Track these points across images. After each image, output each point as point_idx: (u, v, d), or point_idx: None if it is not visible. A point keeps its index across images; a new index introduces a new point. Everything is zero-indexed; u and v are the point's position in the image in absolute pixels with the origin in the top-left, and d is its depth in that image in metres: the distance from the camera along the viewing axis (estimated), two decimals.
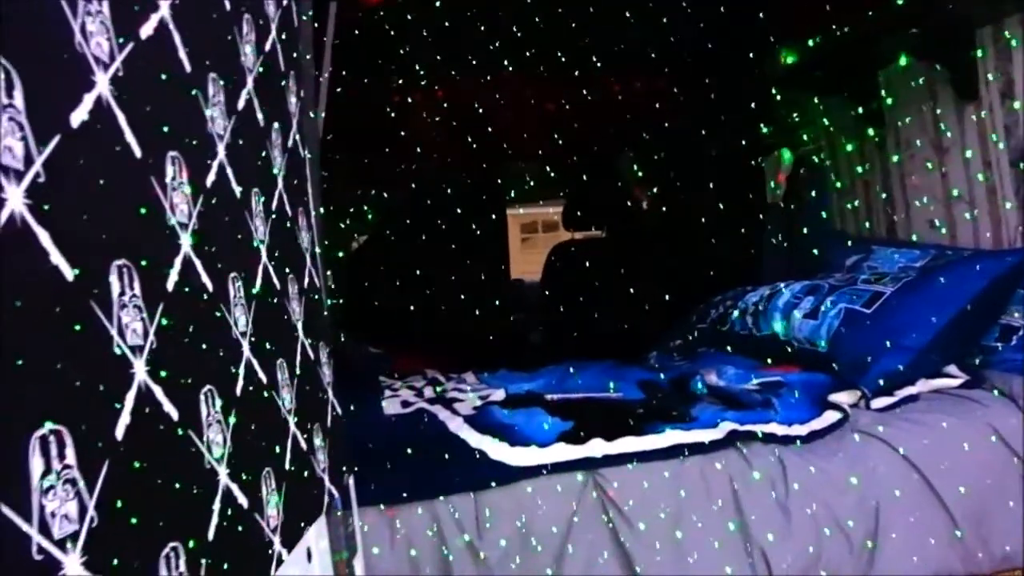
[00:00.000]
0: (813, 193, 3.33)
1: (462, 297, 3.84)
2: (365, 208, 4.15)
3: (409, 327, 3.53)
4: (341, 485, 1.31)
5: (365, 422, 1.96)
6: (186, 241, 0.74)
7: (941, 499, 1.82)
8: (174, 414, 0.66)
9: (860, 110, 3.00)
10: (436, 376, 2.61)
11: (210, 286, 0.79)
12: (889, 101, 2.86)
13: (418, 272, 3.91)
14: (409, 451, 1.83)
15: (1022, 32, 2.34)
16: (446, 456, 1.83)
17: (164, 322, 0.66)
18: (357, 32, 2.21)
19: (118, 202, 0.62)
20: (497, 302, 4.02)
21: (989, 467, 1.86)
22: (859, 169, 3.09)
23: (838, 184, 3.25)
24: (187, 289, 0.73)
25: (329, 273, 1.49)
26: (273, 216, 1.04)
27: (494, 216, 4.34)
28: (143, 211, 0.67)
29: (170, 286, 0.70)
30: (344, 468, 1.32)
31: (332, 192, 2.99)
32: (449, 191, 4.04)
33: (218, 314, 0.81)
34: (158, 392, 0.64)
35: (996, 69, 2.45)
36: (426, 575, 1.69)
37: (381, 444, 1.82)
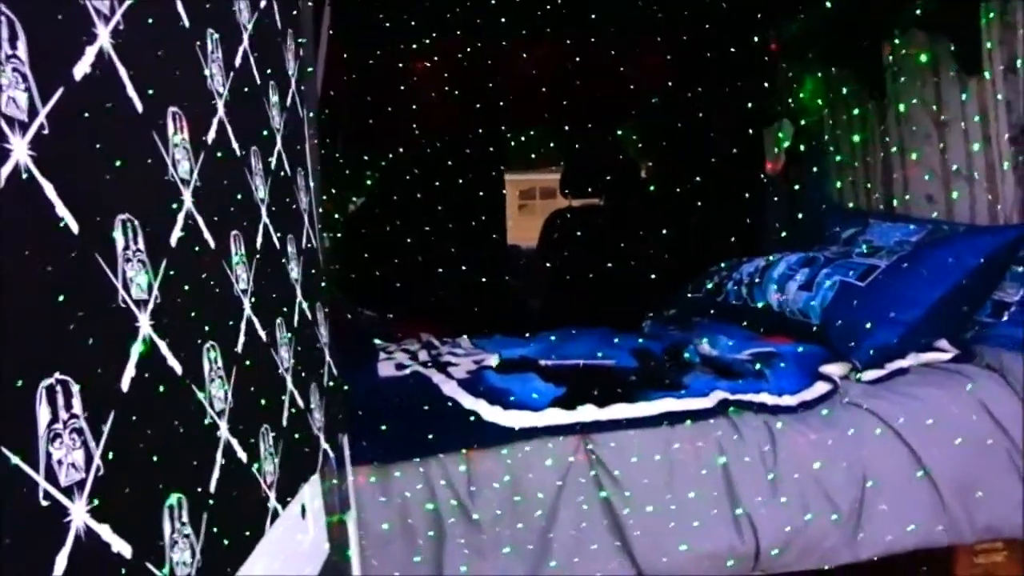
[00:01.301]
0: (813, 166, 3.32)
1: (458, 262, 3.85)
2: (363, 171, 4.13)
3: (405, 291, 3.54)
4: (336, 444, 1.32)
5: (359, 383, 1.97)
6: (188, 197, 0.75)
7: (927, 471, 1.85)
8: (178, 368, 0.67)
9: (862, 82, 2.99)
10: (431, 340, 2.62)
11: (212, 243, 0.79)
12: (891, 74, 2.85)
13: (415, 236, 3.90)
14: (402, 412, 1.85)
15: None
16: (439, 418, 1.85)
17: (167, 277, 0.67)
18: None
19: (121, 156, 0.62)
20: (494, 267, 4.02)
21: (976, 440, 1.88)
22: (858, 141, 3.07)
23: (837, 157, 3.24)
24: (189, 245, 0.73)
25: (326, 235, 1.49)
26: (272, 175, 1.04)
27: (492, 181, 4.32)
28: (146, 165, 0.67)
29: (173, 241, 0.70)
30: (339, 428, 1.33)
31: (330, 153, 2.97)
32: (447, 155, 4.02)
33: (220, 271, 0.81)
34: (162, 346, 0.65)
35: (1000, 43, 2.43)
36: (417, 534, 1.71)
37: (375, 405, 1.84)
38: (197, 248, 0.75)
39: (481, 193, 4.15)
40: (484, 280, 3.86)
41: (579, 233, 4.09)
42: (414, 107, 3.72)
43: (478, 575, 1.71)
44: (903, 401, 1.93)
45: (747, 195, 3.44)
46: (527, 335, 2.60)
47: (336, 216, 3.79)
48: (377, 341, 2.59)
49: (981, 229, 2.39)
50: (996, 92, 2.46)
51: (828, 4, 2.68)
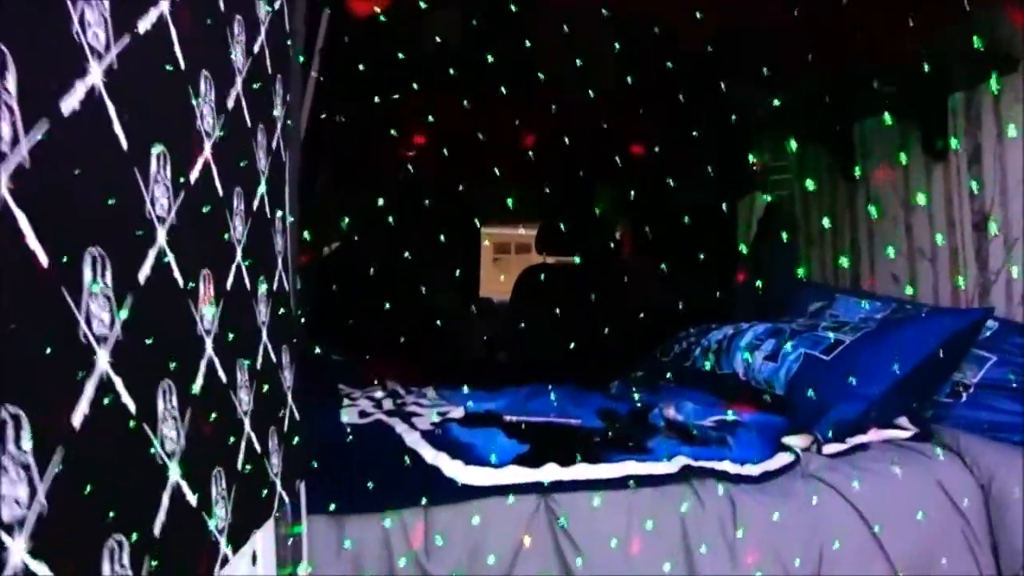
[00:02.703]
0: (783, 238, 3.39)
1: (430, 312, 3.84)
2: (339, 215, 4.14)
3: (374, 338, 3.52)
4: (293, 491, 1.30)
5: (321, 429, 1.94)
6: (162, 234, 0.75)
7: (883, 548, 1.85)
8: (131, 407, 0.66)
9: (833, 161, 3.08)
10: (396, 388, 2.60)
11: (180, 282, 0.79)
12: (861, 154, 2.94)
13: (387, 283, 3.90)
14: (363, 462, 1.82)
15: (991, 98, 2.42)
16: (400, 470, 1.82)
17: (131, 314, 0.66)
18: (347, 40, 2.22)
19: (100, 192, 0.62)
20: (465, 319, 4.02)
21: (933, 520, 1.89)
22: (827, 219, 3.15)
23: (806, 231, 3.31)
24: (158, 283, 0.73)
25: (298, 276, 1.48)
26: (252, 216, 1.05)
27: (467, 234, 4.36)
28: (123, 202, 0.67)
29: (141, 278, 0.70)
30: (297, 474, 1.31)
31: (307, 198, 2.98)
32: (424, 205, 4.04)
33: (185, 310, 0.80)
34: (118, 383, 0.64)
35: (965, 132, 2.52)
36: None
37: (335, 453, 1.81)
38: (165, 286, 0.75)
39: (456, 245, 4.17)
40: (455, 331, 3.85)
41: (552, 290, 4.12)
42: (393, 158, 3.76)
43: None
44: (863, 476, 1.94)
45: (717, 263, 3.49)
46: (494, 389, 2.59)
47: (311, 256, 3.78)
48: (342, 387, 2.56)
49: (943, 311, 2.45)
50: (960, 178, 2.55)
51: (800, 86, 2.77)
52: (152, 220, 0.73)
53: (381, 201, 4.07)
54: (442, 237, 4.01)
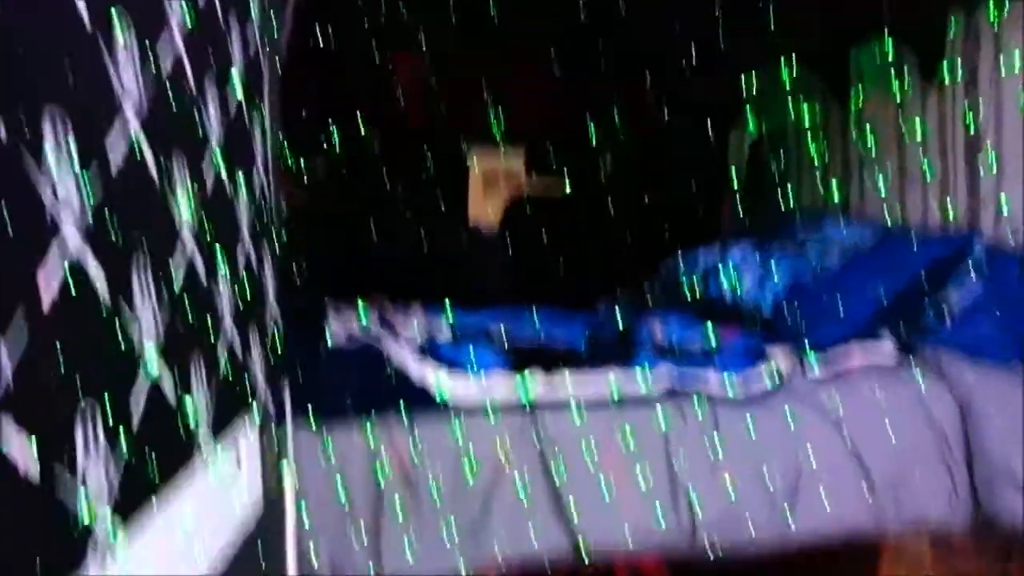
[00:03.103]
0: (775, 162, 3.36)
1: (417, 239, 3.82)
2: (326, 140, 4.08)
3: (361, 263, 3.50)
4: (277, 396, 1.30)
5: (308, 343, 1.95)
6: (131, 112, 0.72)
7: (862, 463, 1.89)
8: (103, 282, 0.65)
9: (827, 85, 3.03)
10: (383, 306, 2.60)
11: (152, 163, 0.77)
12: (856, 79, 2.89)
13: (375, 210, 3.87)
14: (349, 374, 1.83)
15: (990, 21, 2.38)
16: (386, 383, 1.83)
17: (98, 188, 0.64)
18: None
19: (58, 54, 0.60)
20: (453, 245, 4.01)
21: (912, 437, 1.93)
22: (820, 145, 3.12)
23: (797, 158, 3.28)
24: (128, 161, 0.71)
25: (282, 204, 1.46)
26: (228, 109, 1.02)
27: (456, 161, 4.31)
28: (88, 71, 0.64)
29: (109, 152, 0.68)
30: (280, 378, 1.31)
31: (297, 113, 2.92)
32: (413, 131, 3.99)
33: (160, 194, 0.78)
34: (87, 258, 0.62)
35: (963, 55, 2.48)
36: (355, 498, 1.70)
37: (321, 366, 1.82)
38: (134, 165, 0.73)
39: (444, 173, 4.13)
40: (443, 259, 3.84)
41: (541, 215, 4.10)
42: (379, 79, 3.68)
43: (415, 541, 1.70)
44: (844, 395, 1.97)
45: (710, 187, 3.47)
46: (481, 309, 2.59)
47: (298, 175, 3.74)
48: (328, 302, 2.56)
49: (931, 235, 2.44)
50: (955, 104, 2.52)
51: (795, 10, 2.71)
52: (119, 96, 0.70)
53: (368, 125, 4.01)
54: (430, 164, 3.98)
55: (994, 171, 2.39)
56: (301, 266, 2.02)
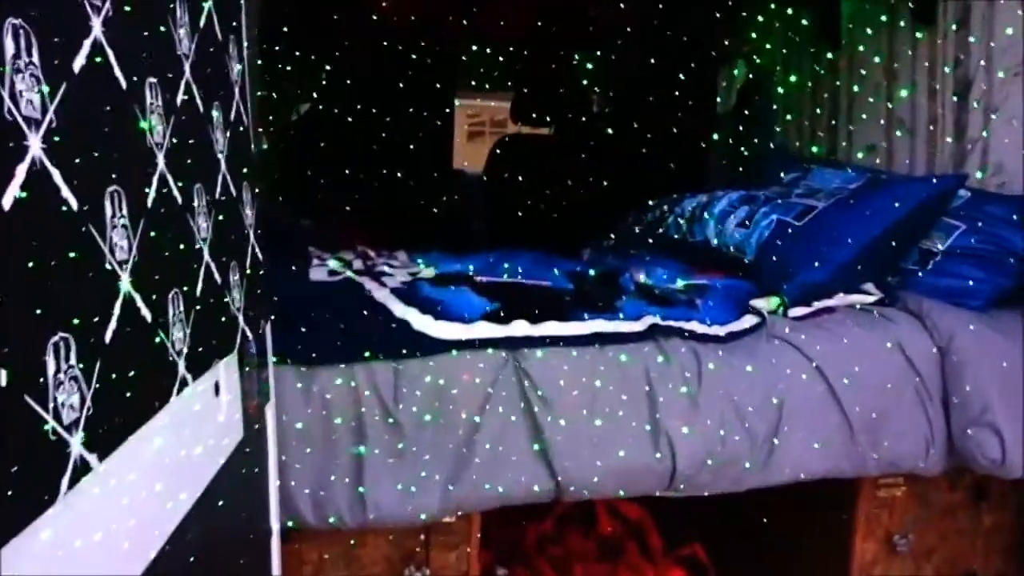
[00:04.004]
0: (764, 107, 3.33)
1: (402, 180, 3.77)
2: (309, 77, 3.99)
3: (345, 204, 3.46)
4: (257, 332, 1.28)
5: (289, 284, 1.92)
6: (97, 25, 0.69)
7: (841, 405, 1.91)
8: (72, 201, 0.62)
9: (817, 27, 2.99)
10: (366, 251, 2.57)
11: (123, 81, 0.74)
12: (847, 20, 2.85)
13: (359, 151, 3.81)
14: (331, 315, 1.81)
15: None
16: (368, 323, 1.82)
17: (65, 102, 0.61)
18: None
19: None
20: (437, 189, 3.96)
21: (890, 381, 1.95)
22: (807, 87, 3.09)
23: (785, 101, 3.25)
24: (94, 76, 0.68)
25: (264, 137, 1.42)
26: (200, 32, 0.98)
27: (441, 103, 4.24)
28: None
29: (76, 67, 0.65)
30: (261, 314, 1.29)
31: (277, 53, 2.85)
32: (397, 71, 3.90)
33: (131, 113, 0.75)
34: (55, 175, 0.60)
35: None
36: (338, 435, 1.70)
37: (304, 306, 1.80)
38: (103, 80, 0.70)
39: (429, 113, 4.06)
40: (427, 200, 3.80)
41: (526, 160, 4.05)
42: (366, 12, 3.59)
43: (397, 479, 1.70)
44: (825, 338, 1.98)
45: (695, 132, 3.44)
46: (465, 253, 2.57)
47: (280, 117, 3.67)
48: (312, 249, 2.53)
49: (916, 178, 2.44)
50: (946, 45, 2.49)
51: None
52: (86, 8, 0.67)
53: (351, 65, 3.92)
54: (414, 105, 3.90)
55: (982, 115, 2.37)
56: (284, 203, 1.99)
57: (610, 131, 4.09)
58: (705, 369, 1.87)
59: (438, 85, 4.12)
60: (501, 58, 4.56)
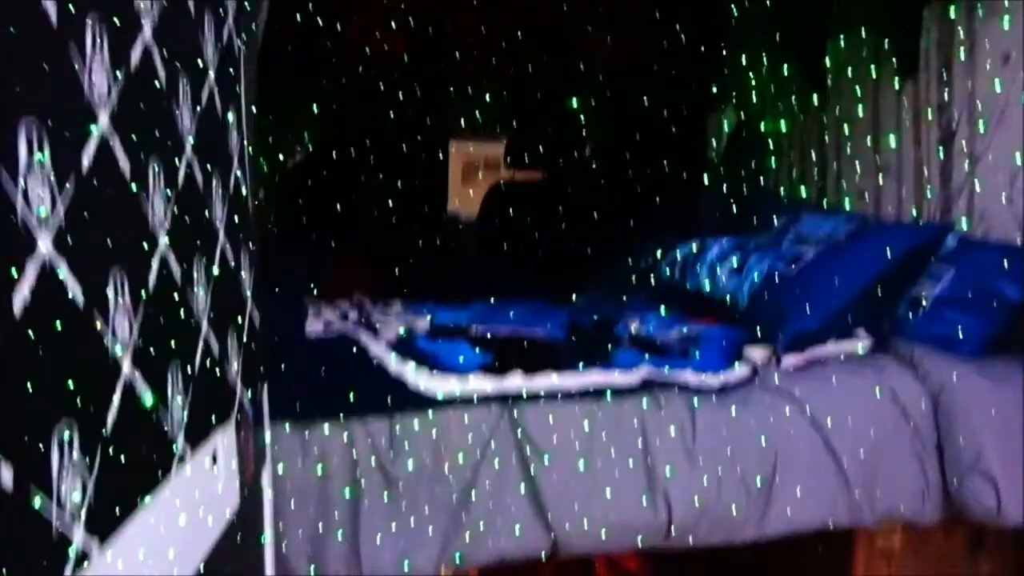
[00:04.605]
0: (752, 154, 3.38)
1: (397, 225, 3.80)
2: (305, 124, 4.03)
3: (340, 250, 3.48)
4: (255, 395, 1.29)
5: (286, 338, 1.93)
6: (104, 118, 0.70)
7: (836, 455, 1.91)
8: (78, 295, 0.63)
9: (804, 75, 3.05)
10: (362, 300, 2.58)
11: (127, 170, 0.75)
12: (833, 69, 2.91)
13: (354, 196, 3.84)
14: (327, 371, 1.81)
15: (965, 12, 2.40)
16: (364, 378, 1.82)
17: (74, 198, 0.63)
18: None
19: (30, 65, 0.58)
20: (432, 234, 3.99)
21: (885, 429, 1.96)
22: (796, 134, 3.14)
23: (774, 146, 3.30)
24: (102, 168, 0.69)
25: (262, 187, 1.44)
26: (201, 109, 1.00)
27: (436, 147, 4.28)
28: (58, 78, 0.63)
29: (85, 162, 0.66)
30: (258, 378, 1.30)
31: (272, 99, 2.88)
32: (393, 116, 3.95)
33: (134, 200, 0.77)
34: (62, 270, 0.61)
35: (938, 45, 2.50)
36: (334, 492, 1.69)
37: (300, 361, 1.80)
38: (110, 172, 0.71)
39: (424, 158, 4.11)
40: (422, 245, 3.83)
41: (521, 205, 4.09)
42: (361, 57, 3.65)
43: (393, 535, 1.69)
44: (819, 387, 1.99)
45: (687, 178, 3.48)
46: (460, 302, 2.58)
47: (275, 165, 3.70)
48: (307, 299, 2.54)
49: (904, 226, 2.47)
50: (930, 94, 2.54)
51: None
52: (91, 101, 0.69)
53: (347, 111, 3.97)
54: (409, 151, 3.95)
55: (967, 163, 2.41)
56: (280, 260, 2.01)
57: (602, 176, 4.14)
58: (699, 420, 1.88)
59: (432, 130, 4.17)
60: (494, 102, 4.63)
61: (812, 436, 1.93)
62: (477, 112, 4.66)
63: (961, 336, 2.11)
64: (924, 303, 2.20)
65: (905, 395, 1.99)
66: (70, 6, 0.66)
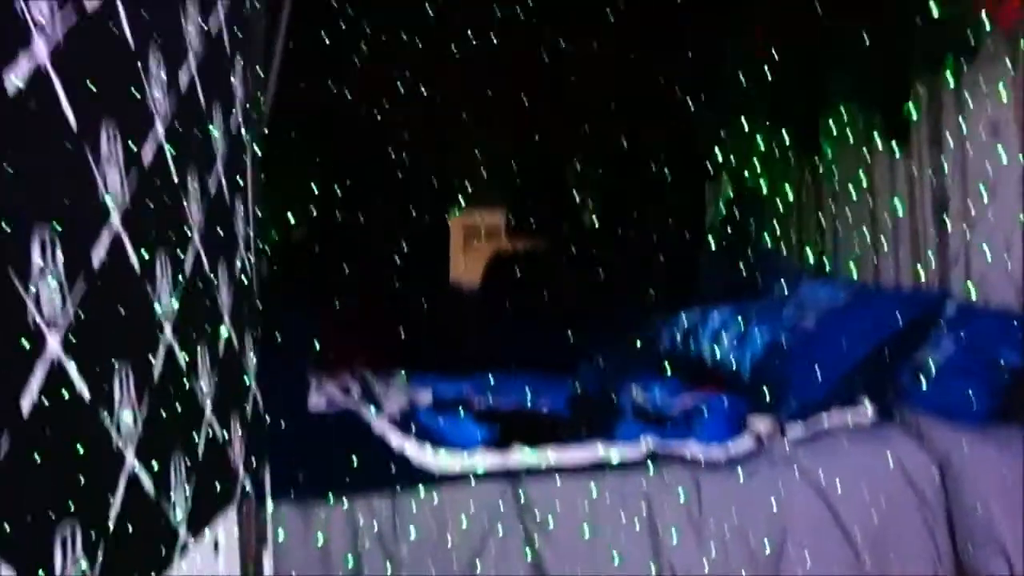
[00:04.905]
0: (751, 220, 3.42)
1: (398, 296, 3.82)
2: (307, 198, 4.09)
3: (342, 322, 3.49)
4: (256, 477, 1.29)
5: (288, 416, 1.93)
6: (115, 215, 0.73)
7: (845, 526, 1.89)
8: (85, 392, 0.65)
9: (799, 146, 3.11)
10: (364, 374, 2.59)
11: (136, 265, 0.77)
12: (827, 139, 2.97)
13: (356, 268, 3.87)
14: (330, 448, 1.81)
15: (953, 85, 2.46)
16: (367, 456, 1.81)
17: (84, 296, 0.65)
18: (309, 20, 2.19)
19: (47, 169, 0.60)
20: (434, 305, 4.01)
21: (893, 499, 1.93)
22: (795, 202, 3.19)
23: (774, 214, 3.35)
24: (112, 264, 0.71)
25: (264, 260, 1.46)
26: (209, 199, 1.03)
27: (436, 218, 4.34)
28: (73, 179, 0.65)
29: (95, 260, 0.68)
30: (261, 460, 1.30)
31: (275, 177, 2.94)
32: (394, 189, 4.02)
33: (142, 293, 0.79)
34: (71, 369, 0.63)
35: (927, 117, 2.56)
36: (337, 573, 1.67)
37: (303, 439, 1.80)
38: (120, 269, 0.73)
39: (425, 229, 4.16)
40: (423, 316, 3.84)
41: (522, 275, 4.11)
42: (362, 133, 3.73)
43: None
44: (825, 458, 1.97)
45: (685, 244, 3.52)
46: (462, 374, 2.59)
47: (276, 239, 3.74)
48: (310, 373, 2.54)
49: (903, 293, 2.48)
50: (922, 162, 2.59)
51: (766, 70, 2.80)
52: (105, 201, 0.71)
53: (348, 185, 4.04)
54: (410, 223, 4.00)
55: (964, 230, 2.44)
56: (282, 338, 2.03)
57: (602, 244, 4.18)
58: (705, 493, 1.86)
59: (432, 199, 4.24)
60: (494, 171, 4.70)
61: (820, 507, 1.90)
62: (477, 181, 4.74)
63: (965, 404, 2.10)
64: (927, 371, 2.20)
65: (912, 464, 1.97)
66: (85, 110, 0.69)
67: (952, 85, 2.47)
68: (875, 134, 2.76)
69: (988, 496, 1.92)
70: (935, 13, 2.17)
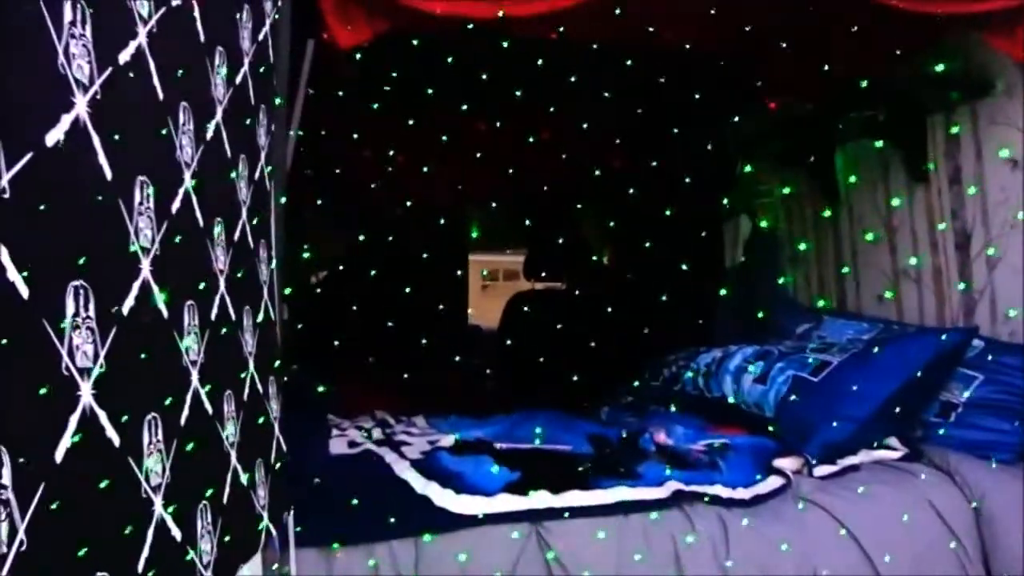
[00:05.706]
0: (769, 260, 3.41)
1: (418, 340, 3.83)
2: (328, 244, 4.14)
3: (363, 366, 3.50)
4: (280, 523, 1.28)
5: (310, 461, 1.92)
6: (146, 266, 0.74)
7: (874, 565, 1.85)
8: (116, 440, 0.65)
9: (816, 184, 3.11)
10: (386, 418, 2.58)
11: (165, 313, 0.79)
12: (845, 178, 2.97)
13: (375, 312, 3.89)
14: (353, 493, 1.80)
15: (970, 121, 2.46)
16: (390, 500, 1.80)
17: (115, 347, 0.66)
18: (330, 71, 2.24)
19: (83, 223, 0.62)
20: (454, 347, 4.01)
21: (923, 540, 1.89)
22: (813, 241, 3.18)
23: (792, 253, 3.33)
24: (142, 315, 0.72)
25: (286, 305, 1.48)
26: (234, 247, 1.04)
27: (455, 261, 4.36)
28: (108, 233, 0.67)
29: (125, 310, 0.70)
30: (285, 506, 1.30)
31: (295, 225, 2.98)
32: (412, 234, 4.05)
33: (170, 342, 0.80)
34: (102, 417, 0.63)
35: (945, 154, 2.56)
36: None
37: (325, 484, 1.79)
38: (148, 316, 0.75)
39: (444, 272, 4.18)
40: (444, 359, 3.84)
41: (541, 316, 4.12)
42: (380, 184, 3.77)
43: None
44: (854, 498, 1.94)
45: (705, 285, 3.50)
46: (484, 417, 2.58)
47: (297, 287, 3.77)
48: (331, 417, 2.55)
49: (928, 330, 2.46)
50: (942, 199, 2.58)
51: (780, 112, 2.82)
52: (137, 251, 0.73)
53: (368, 230, 4.08)
54: (429, 265, 4.02)
55: (985, 260, 2.42)
56: (304, 383, 2.04)
57: (621, 284, 4.18)
58: (732, 535, 1.83)
59: (450, 243, 4.26)
60: (512, 215, 4.74)
61: (850, 549, 1.86)
62: (495, 227, 4.78)
63: (997, 442, 2.07)
64: (955, 409, 2.17)
65: (944, 505, 1.93)
66: (120, 163, 0.71)
67: (968, 125, 2.47)
68: (892, 173, 2.77)
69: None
70: (939, 68, 2.19)
